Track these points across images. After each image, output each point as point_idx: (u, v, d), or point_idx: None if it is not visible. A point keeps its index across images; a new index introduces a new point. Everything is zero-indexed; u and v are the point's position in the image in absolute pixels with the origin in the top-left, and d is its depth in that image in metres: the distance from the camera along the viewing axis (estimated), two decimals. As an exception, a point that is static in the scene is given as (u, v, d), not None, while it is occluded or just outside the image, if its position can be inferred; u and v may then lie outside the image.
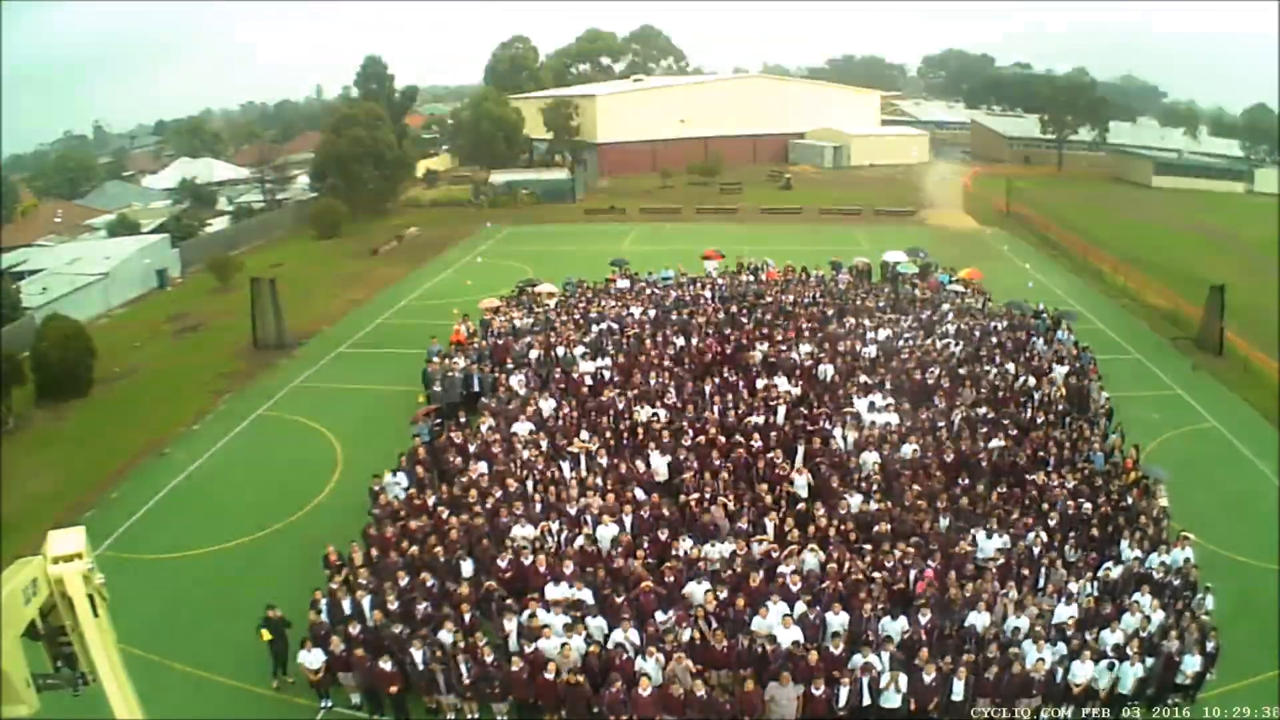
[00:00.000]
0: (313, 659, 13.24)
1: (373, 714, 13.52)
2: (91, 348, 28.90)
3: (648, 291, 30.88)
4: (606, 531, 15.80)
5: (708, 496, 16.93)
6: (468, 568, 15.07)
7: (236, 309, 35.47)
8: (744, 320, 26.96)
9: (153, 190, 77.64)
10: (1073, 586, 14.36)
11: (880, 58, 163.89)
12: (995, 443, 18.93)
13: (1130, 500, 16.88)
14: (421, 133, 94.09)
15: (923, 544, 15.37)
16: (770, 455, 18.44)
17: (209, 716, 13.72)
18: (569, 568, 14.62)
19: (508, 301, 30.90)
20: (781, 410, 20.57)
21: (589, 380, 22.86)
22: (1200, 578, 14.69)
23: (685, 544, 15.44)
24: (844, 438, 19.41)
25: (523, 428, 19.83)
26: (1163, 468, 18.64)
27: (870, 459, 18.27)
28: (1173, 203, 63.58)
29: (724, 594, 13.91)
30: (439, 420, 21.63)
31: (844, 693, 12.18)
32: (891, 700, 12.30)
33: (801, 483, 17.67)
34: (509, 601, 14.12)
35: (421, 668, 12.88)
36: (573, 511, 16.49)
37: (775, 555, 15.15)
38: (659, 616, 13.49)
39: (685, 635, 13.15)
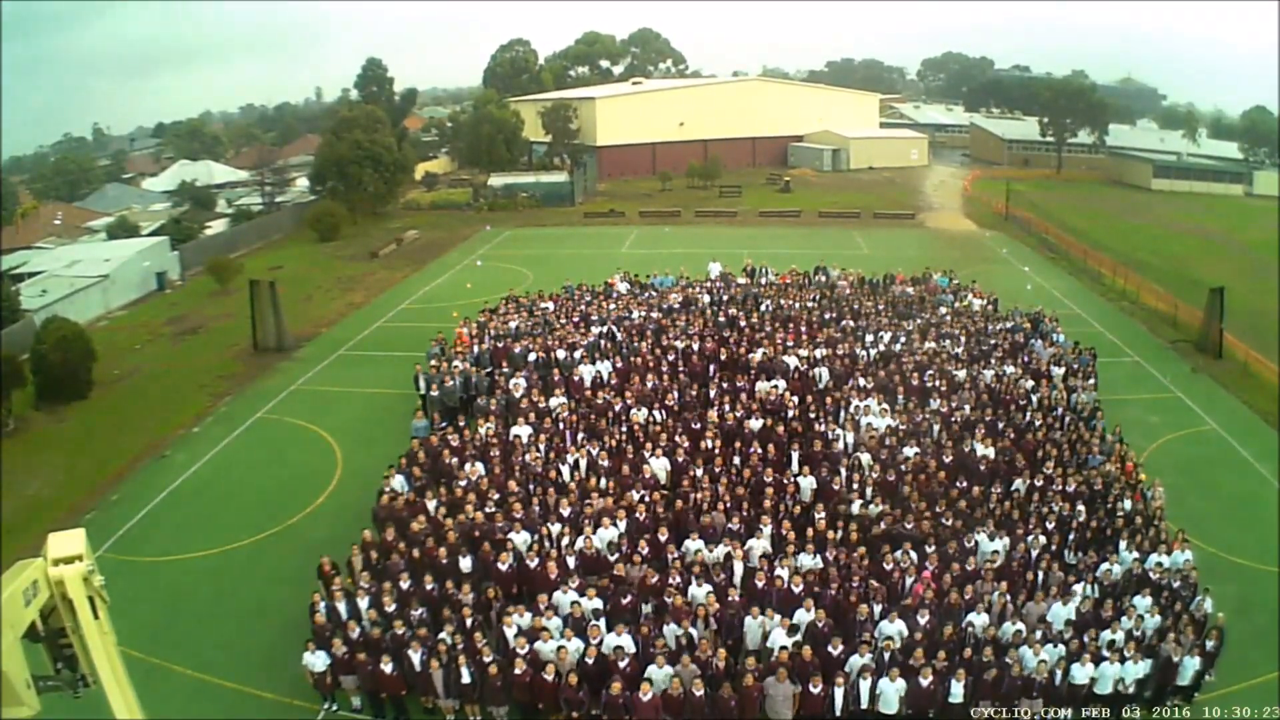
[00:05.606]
0: (316, 661, 13.24)
1: (375, 717, 13.52)
2: (91, 350, 28.88)
3: (647, 295, 30.85)
4: (605, 534, 15.78)
5: (706, 499, 16.92)
6: (467, 568, 15.02)
7: (236, 311, 35.56)
8: (743, 323, 26.95)
9: (152, 193, 77.81)
10: (1073, 589, 14.36)
11: (879, 60, 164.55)
12: (992, 448, 18.91)
13: (1129, 503, 16.88)
14: (421, 135, 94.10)
15: (921, 546, 15.37)
16: (768, 458, 18.42)
17: (209, 718, 13.71)
18: (574, 573, 14.59)
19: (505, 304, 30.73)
20: (780, 413, 20.56)
21: (587, 383, 22.85)
22: (1199, 580, 14.72)
23: (685, 546, 15.42)
24: (843, 440, 19.43)
25: (522, 430, 19.83)
26: (1162, 471, 18.65)
27: (866, 460, 18.26)
28: (1172, 205, 63.79)
29: (727, 596, 13.90)
30: (444, 424, 21.49)
31: (840, 695, 12.18)
32: (889, 704, 12.31)
33: (803, 485, 17.66)
34: (509, 606, 14.09)
35: (419, 670, 12.88)
36: (567, 513, 16.45)
37: (773, 557, 15.14)
38: (670, 629, 13.45)
39: (683, 636, 13.16)
